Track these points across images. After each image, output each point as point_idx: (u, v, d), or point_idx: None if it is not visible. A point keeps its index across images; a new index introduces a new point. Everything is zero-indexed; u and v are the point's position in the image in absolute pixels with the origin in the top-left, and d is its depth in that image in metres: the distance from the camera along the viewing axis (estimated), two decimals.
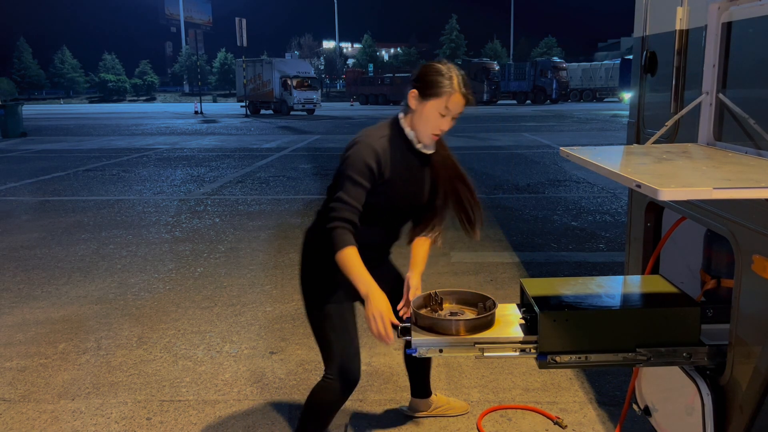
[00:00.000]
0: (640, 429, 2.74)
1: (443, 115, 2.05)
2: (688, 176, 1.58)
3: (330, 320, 2.17)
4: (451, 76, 2.03)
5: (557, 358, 1.86)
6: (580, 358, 1.86)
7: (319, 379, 2.28)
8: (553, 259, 5.50)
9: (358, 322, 2.30)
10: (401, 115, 2.14)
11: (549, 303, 1.95)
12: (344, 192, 1.99)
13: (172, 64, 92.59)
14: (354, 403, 3.01)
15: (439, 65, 2.06)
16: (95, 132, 22.84)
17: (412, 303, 2.03)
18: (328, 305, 2.16)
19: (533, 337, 1.88)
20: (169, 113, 39.43)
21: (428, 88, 2.04)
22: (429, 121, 2.07)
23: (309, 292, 2.20)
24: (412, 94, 2.07)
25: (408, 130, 2.12)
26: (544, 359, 1.86)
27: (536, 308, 1.89)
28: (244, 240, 6.31)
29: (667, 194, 1.34)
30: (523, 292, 2.12)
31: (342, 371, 2.20)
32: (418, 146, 2.13)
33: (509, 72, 49.36)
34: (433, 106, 2.04)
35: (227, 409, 3.00)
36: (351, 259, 1.95)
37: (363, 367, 3.36)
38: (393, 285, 2.27)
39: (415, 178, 2.15)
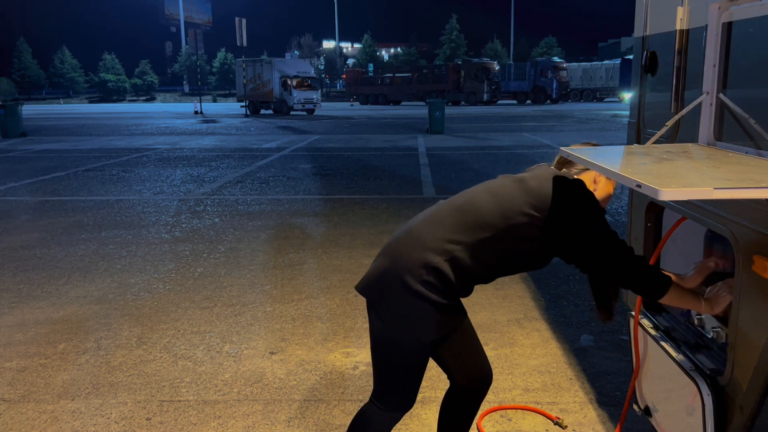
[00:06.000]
0: (640, 429, 2.74)
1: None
2: (688, 176, 1.58)
3: (416, 358, 2.01)
4: None
5: None
6: None
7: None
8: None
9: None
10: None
11: None
12: (619, 243, 1.83)
13: (172, 64, 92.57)
14: (354, 403, 3.01)
15: None
16: (95, 132, 22.84)
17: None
18: (421, 343, 1.98)
19: None
20: (169, 113, 39.43)
21: None
22: (606, 203, 2.06)
23: (422, 321, 1.92)
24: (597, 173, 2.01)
25: None
26: None
27: None
28: (244, 240, 6.31)
29: (667, 194, 1.34)
30: None
31: (402, 406, 2.07)
32: None
33: (509, 72, 49.37)
34: (612, 186, 2.04)
35: (227, 409, 2.99)
36: (681, 288, 1.89)
37: (363, 368, 3.38)
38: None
39: None
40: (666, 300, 1.86)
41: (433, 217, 1.96)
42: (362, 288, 2.00)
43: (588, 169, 2.00)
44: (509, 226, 1.86)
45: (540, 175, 1.93)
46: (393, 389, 2.03)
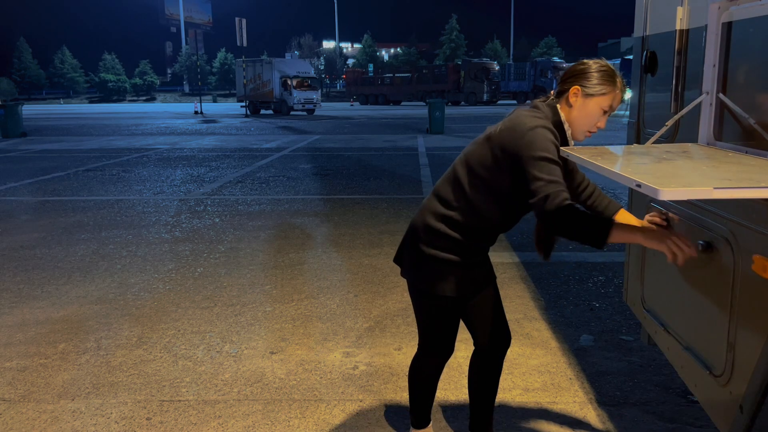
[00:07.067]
0: (640, 430, 2.74)
1: (605, 113, 2.07)
2: (688, 176, 1.58)
3: (447, 313, 2.24)
4: (616, 74, 2.05)
5: None
6: None
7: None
8: (553, 258, 5.50)
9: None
10: (558, 106, 2.07)
11: None
12: (548, 173, 1.85)
13: (172, 64, 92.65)
14: (354, 403, 3.01)
15: (605, 64, 2.06)
16: (95, 132, 22.84)
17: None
18: (451, 296, 2.18)
19: None
20: (169, 113, 39.43)
21: (596, 86, 2.02)
22: (591, 118, 2.06)
23: (436, 280, 2.17)
24: (575, 91, 2.03)
25: (566, 125, 2.08)
26: None
27: None
28: (244, 240, 6.31)
29: (667, 194, 1.34)
30: None
31: (440, 352, 2.35)
32: (571, 143, 2.11)
33: (509, 72, 49.38)
34: (598, 103, 2.04)
35: (227, 409, 2.99)
36: (622, 227, 1.86)
37: (363, 368, 3.38)
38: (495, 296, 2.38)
39: None
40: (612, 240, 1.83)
41: (433, 189, 2.26)
42: (395, 259, 2.36)
43: (567, 91, 2.05)
44: (480, 180, 2.07)
45: (506, 122, 2.05)
46: (430, 338, 2.32)
